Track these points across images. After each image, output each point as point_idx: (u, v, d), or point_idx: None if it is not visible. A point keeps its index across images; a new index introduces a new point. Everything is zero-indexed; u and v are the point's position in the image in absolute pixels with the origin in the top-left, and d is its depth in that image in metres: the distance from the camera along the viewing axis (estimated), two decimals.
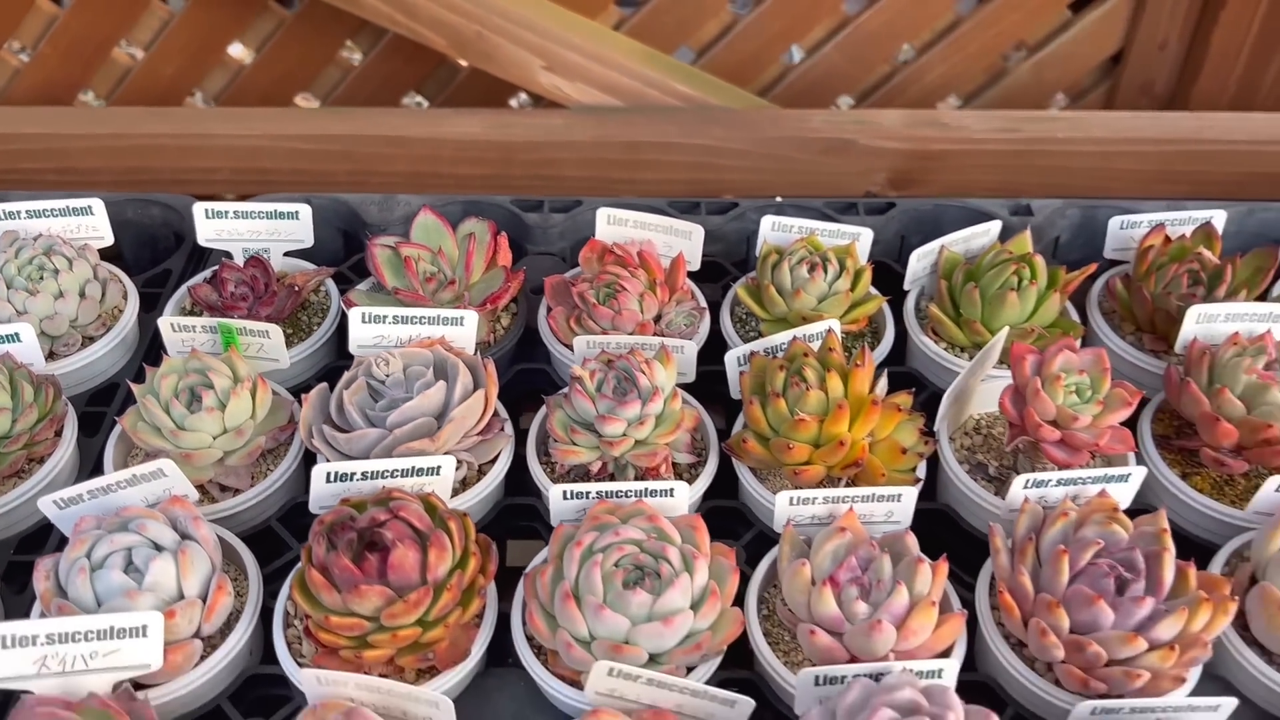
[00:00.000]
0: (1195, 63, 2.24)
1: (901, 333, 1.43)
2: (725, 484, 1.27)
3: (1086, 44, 2.25)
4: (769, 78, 2.30)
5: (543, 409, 1.29)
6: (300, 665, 1.05)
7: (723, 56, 2.22)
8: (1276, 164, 2.09)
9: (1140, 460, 1.25)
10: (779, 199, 1.67)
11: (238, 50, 2.32)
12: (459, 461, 1.19)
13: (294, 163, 2.06)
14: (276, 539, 1.22)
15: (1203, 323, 1.26)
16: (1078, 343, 1.25)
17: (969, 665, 1.12)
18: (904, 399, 1.21)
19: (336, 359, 1.44)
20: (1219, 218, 1.43)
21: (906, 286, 1.44)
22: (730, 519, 1.26)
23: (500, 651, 1.13)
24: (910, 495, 1.13)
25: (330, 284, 1.46)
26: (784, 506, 1.13)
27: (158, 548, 1.05)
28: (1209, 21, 2.18)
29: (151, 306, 1.48)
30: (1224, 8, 2.13)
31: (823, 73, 2.27)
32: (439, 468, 1.13)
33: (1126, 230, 1.46)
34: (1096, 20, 2.20)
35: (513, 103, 2.36)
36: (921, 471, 1.23)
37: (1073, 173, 2.08)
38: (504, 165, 2.07)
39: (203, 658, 1.06)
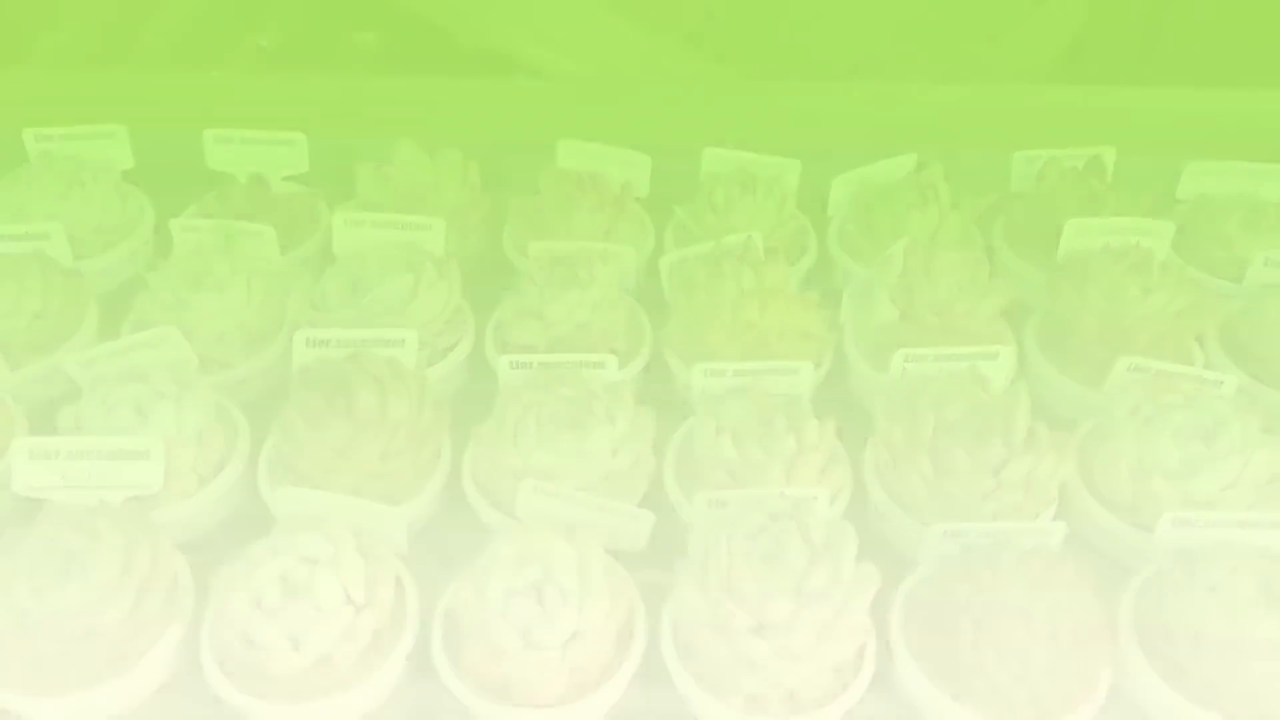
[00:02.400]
0: None
1: (827, 254, 1.60)
2: (662, 377, 1.44)
3: None
4: (751, 58, 2.47)
5: None
6: None
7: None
8: None
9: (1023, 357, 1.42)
10: None
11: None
12: (423, 343, 1.38)
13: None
14: (267, 408, 1.41)
15: (1080, 235, 1.43)
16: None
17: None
18: (812, 295, 1.39)
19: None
20: (1109, 153, 1.59)
21: (830, 212, 1.61)
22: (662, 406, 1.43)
23: (454, 502, 1.31)
24: (808, 370, 1.30)
25: (323, 205, 1.65)
26: (698, 378, 1.30)
27: (161, 396, 1.24)
28: None
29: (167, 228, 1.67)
30: None
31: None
32: (404, 340, 1.31)
33: (1030, 165, 1.63)
34: None
35: None
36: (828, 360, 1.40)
37: None
38: (494, 130, 2.25)
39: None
